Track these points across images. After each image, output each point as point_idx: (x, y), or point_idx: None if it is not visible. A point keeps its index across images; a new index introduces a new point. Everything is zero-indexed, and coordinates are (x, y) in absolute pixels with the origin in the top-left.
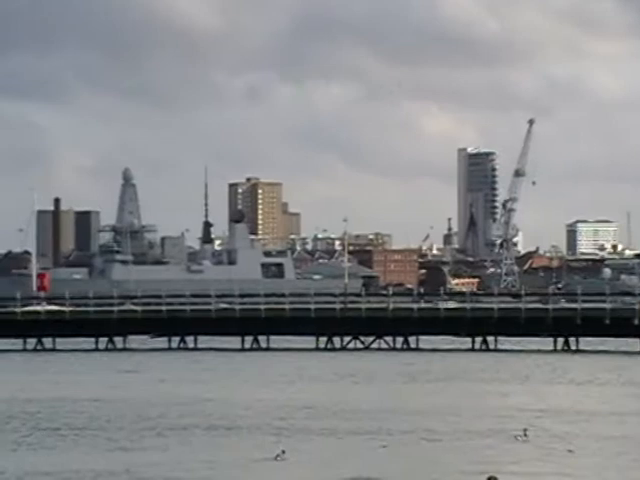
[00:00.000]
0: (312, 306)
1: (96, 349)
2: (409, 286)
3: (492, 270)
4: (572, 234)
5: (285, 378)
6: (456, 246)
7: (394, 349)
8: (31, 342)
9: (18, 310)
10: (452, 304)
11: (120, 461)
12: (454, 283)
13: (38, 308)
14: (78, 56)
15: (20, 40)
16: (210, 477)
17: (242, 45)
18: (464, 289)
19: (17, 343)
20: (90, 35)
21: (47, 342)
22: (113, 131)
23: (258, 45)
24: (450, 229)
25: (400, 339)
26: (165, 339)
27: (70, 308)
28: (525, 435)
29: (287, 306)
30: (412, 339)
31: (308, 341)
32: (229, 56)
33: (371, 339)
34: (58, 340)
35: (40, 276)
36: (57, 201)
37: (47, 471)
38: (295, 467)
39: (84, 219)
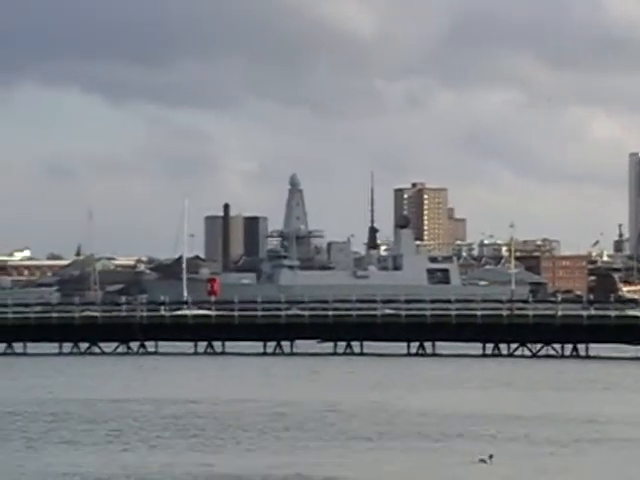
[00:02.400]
0: (478, 312)
1: (264, 353)
2: (578, 293)
3: None
4: None
5: (455, 384)
6: (627, 252)
7: (563, 357)
8: (202, 345)
9: (189, 314)
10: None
11: (312, 461)
12: (625, 290)
13: (187, 312)
14: (243, 65)
15: (187, 50)
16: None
17: (402, 51)
18: (635, 296)
19: (189, 346)
20: (255, 44)
21: (217, 346)
22: (278, 138)
23: (417, 51)
24: (621, 235)
25: (569, 347)
26: (331, 344)
27: (216, 312)
28: None
29: (453, 312)
30: (581, 347)
31: (474, 348)
32: (389, 63)
33: (539, 346)
34: (227, 344)
35: (210, 281)
36: (226, 207)
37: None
38: (506, 471)
39: (252, 224)
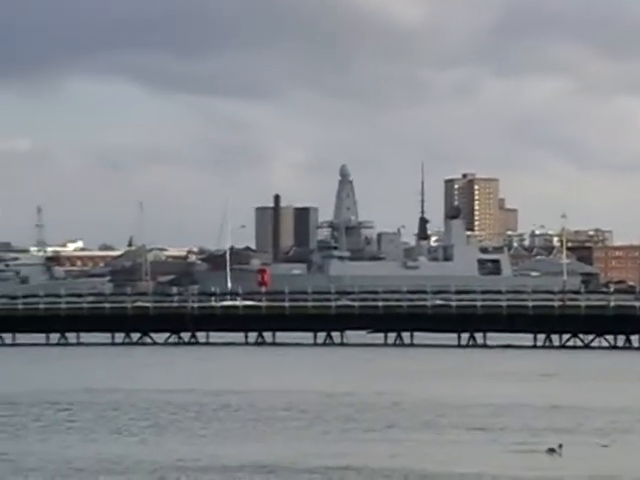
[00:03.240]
0: (530, 303)
1: (314, 343)
2: (631, 284)
3: None
4: None
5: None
6: None
7: (615, 348)
8: (252, 336)
9: (240, 304)
10: None
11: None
12: None
13: (237, 303)
14: (290, 55)
15: (235, 41)
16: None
17: (449, 40)
18: None
19: (240, 337)
20: (302, 34)
21: (267, 336)
22: (325, 129)
23: (466, 40)
24: None
25: (622, 338)
26: (381, 335)
27: (265, 304)
28: None
29: (504, 303)
30: (634, 337)
31: (526, 339)
32: (436, 52)
33: (591, 337)
34: (278, 334)
35: (261, 272)
36: (277, 198)
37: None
38: (577, 460)
39: (303, 215)
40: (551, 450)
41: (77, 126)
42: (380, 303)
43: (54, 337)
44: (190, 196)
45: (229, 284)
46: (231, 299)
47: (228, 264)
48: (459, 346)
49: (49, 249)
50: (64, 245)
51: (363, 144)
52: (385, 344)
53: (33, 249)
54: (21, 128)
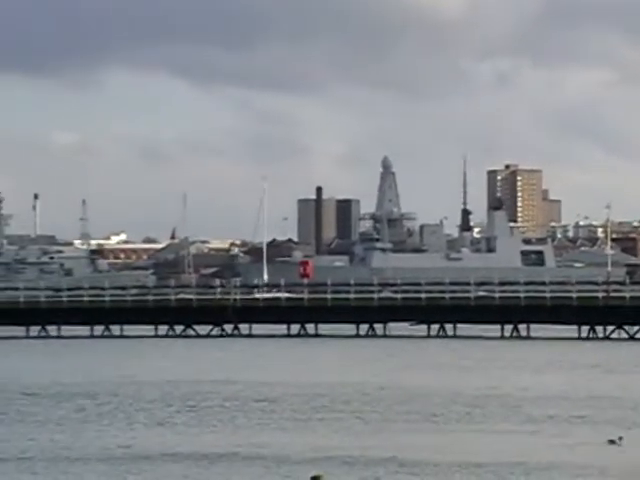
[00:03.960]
0: (574, 294)
1: (357, 335)
2: None
3: None
4: None
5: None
6: None
7: None
8: (295, 328)
9: (282, 296)
10: None
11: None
12: None
13: (267, 295)
14: (330, 48)
15: (275, 33)
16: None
17: (488, 31)
18: None
19: (281, 329)
20: (341, 26)
21: (310, 328)
22: (366, 121)
23: (505, 30)
24: None
25: None
26: (424, 327)
27: (307, 296)
28: None
29: (548, 294)
30: None
31: (570, 330)
32: (476, 42)
33: (636, 329)
34: (320, 326)
35: (303, 263)
36: (319, 190)
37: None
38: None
39: (345, 207)
40: (611, 441)
41: (120, 119)
42: (423, 295)
43: (98, 329)
44: (232, 188)
45: (265, 276)
46: (267, 291)
47: (265, 256)
48: (502, 338)
49: (93, 242)
50: (108, 238)
51: (404, 135)
52: (428, 336)
53: (77, 242)
54: (65, 121)
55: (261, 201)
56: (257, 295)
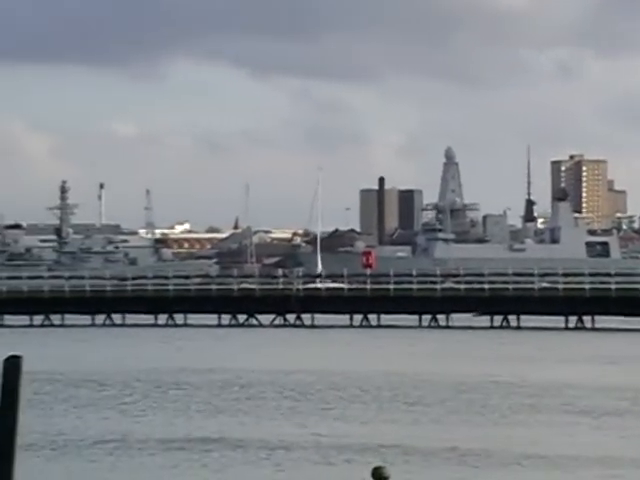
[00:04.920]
0: None
1: (419, 326)
2: None
3: None
4: None
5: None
6: None
7: None
8: (357, 319)
9: (346, 287)
10: None
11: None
12: None
13: (319, 285)
14: (388, 37)
15: (333, 23)
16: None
17: (549, 21)
18: None
19: (343, 319)
20: (399, 16)
21: (372, 319)
22: (427, 111)
23: (566, 20)
24: None
25: None
26: (487, 317)
27: (349, 286)
28: None
29: (613, 286)
30: None
31: (635, 322)
32: (536, 32)
33: None
34: (383, 317)
35: (365, 254)
36: (381, 180)
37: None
38: None
39: (407, 198)
40: None
41: (182, 109)
42: (486, 286)
43: (162, 318)
44: (293, 178)
45: (319, 266)
46: (321, 282)
47: (319, 245)
48: (566, 329)
49: (157, 231)
50: (172, 227)
51: (465, 126)
52: (491, 327)
53: (142, 231)
54: (128, 112)
55: (316, 191)
56: (319, 285)
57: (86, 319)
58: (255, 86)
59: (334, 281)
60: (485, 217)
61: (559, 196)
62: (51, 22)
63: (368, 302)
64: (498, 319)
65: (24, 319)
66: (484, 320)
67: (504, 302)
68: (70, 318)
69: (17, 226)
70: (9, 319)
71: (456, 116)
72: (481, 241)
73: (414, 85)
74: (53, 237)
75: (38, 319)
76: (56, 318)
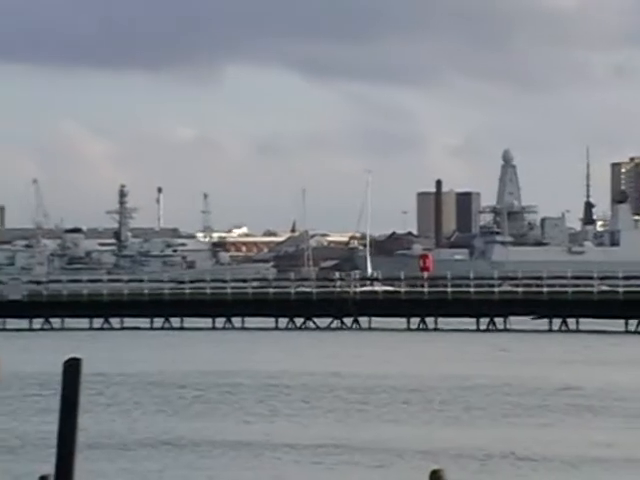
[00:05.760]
0: None
1: (477, 329)
2: None
3: None
4: None
5: None
6: None
7: None
8: (414, 322)
9: (403, 290)
10: None
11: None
12: None
13: (376, 288)
14: (446, 40)
15: (391, 27)
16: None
17: (607, 22)
18: None
19: (401, 322)
20: (456, 19)
21: (429, 322)
22: (483, 113)
23: (623, 21)
24: None
25: None
26: (545, 321)
27: (404, 289)
28: None
29: None
30: None
31: None
32: (594, 34)
33: None
34: (440, 320)
35: (423, 257)
36: (439, 183)
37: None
38: None
39: (465, 200)
40: None
41: (238, 114)
42: (544, 289)
43: (220, 321)
44: (349, 181)
45: (369, 269)
46: (370, 284)
47: (368, 248)
48: (626, 332)
49: (215, 235)
50: (229, 231)
51: (522, 128)
52: (550, 330)
53: (200, 235)
54: (186, 116)
55: (365, 194)
56: (376, 288)
57: (145, 322)
58: (312, 90)
59: (389, 284)
60: (543, 220)
61: (619, 198)
62: (111, 27)
63: (425, 305)
64: (557, 322)
65: (84, 322)
66: (542, 323)
67: (563, 305)
68: (129, 321)
69: (77, 230)
70: (69, 322)
71: (514, 118)
72: (539, 244)
73: (472, 87)
74: (112, 241)
75: (98, 322)
76: (115, 321)
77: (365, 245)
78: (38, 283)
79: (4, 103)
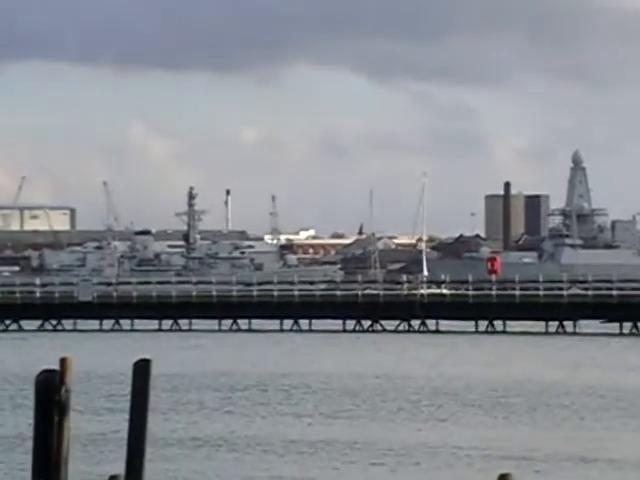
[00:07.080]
0: None
1: (546, 332)
2: None
3: None
4: None
5: None
6: None
7: None
8: (482, 325)
9: (470, 293)
10: None
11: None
12: None
13: (444, 291)
14: (515, 40)
15: (458, 26)
16: None
17: None
18: None
19: (468, 325)
20: (525, 18)
21: (498, 325)
22: (552, 114)
23: None
24: None
25: None
26: (616, 325)
27: (472, 292)
28: None
29: None
30: None
31: None
32: None
33: None
34: (508, 323)
35: (491, 260)
36: (507, 185)
37: None
38: None
39: (533, 203)
40: None
41: (305, 114)
42: (615, 292)
43: (287, 323)
44: (417, 183)
45: (425, 272)
46: (436, 287)
47: (424, 251)
48: None
49: (282, 237)
50: (297, 233)
51: (592, 128)
52: (620, 334)
53: (267, 237)
54: (252, 117)
55: (421, 197)
56: (444, 291)
57: (213, 324)
58: (377, 90)
59: (453, 288)
60: (614, 222)
61: None
62: (177, 28)
63: (493, 308)
64: (627, 326)
65: (153, 323)
66: (612, 327)
67: (633, 309)
68: (197, 323)
69: (146, 232)
70: (139, 323)
71: (583, 118)
72: (609, 247)
73: (539, 87)
74: (181, 243)
75: (167, 324)
76: (184, 323)
77: (438, 248)
78: (108, 285)
79: (73, 106)
